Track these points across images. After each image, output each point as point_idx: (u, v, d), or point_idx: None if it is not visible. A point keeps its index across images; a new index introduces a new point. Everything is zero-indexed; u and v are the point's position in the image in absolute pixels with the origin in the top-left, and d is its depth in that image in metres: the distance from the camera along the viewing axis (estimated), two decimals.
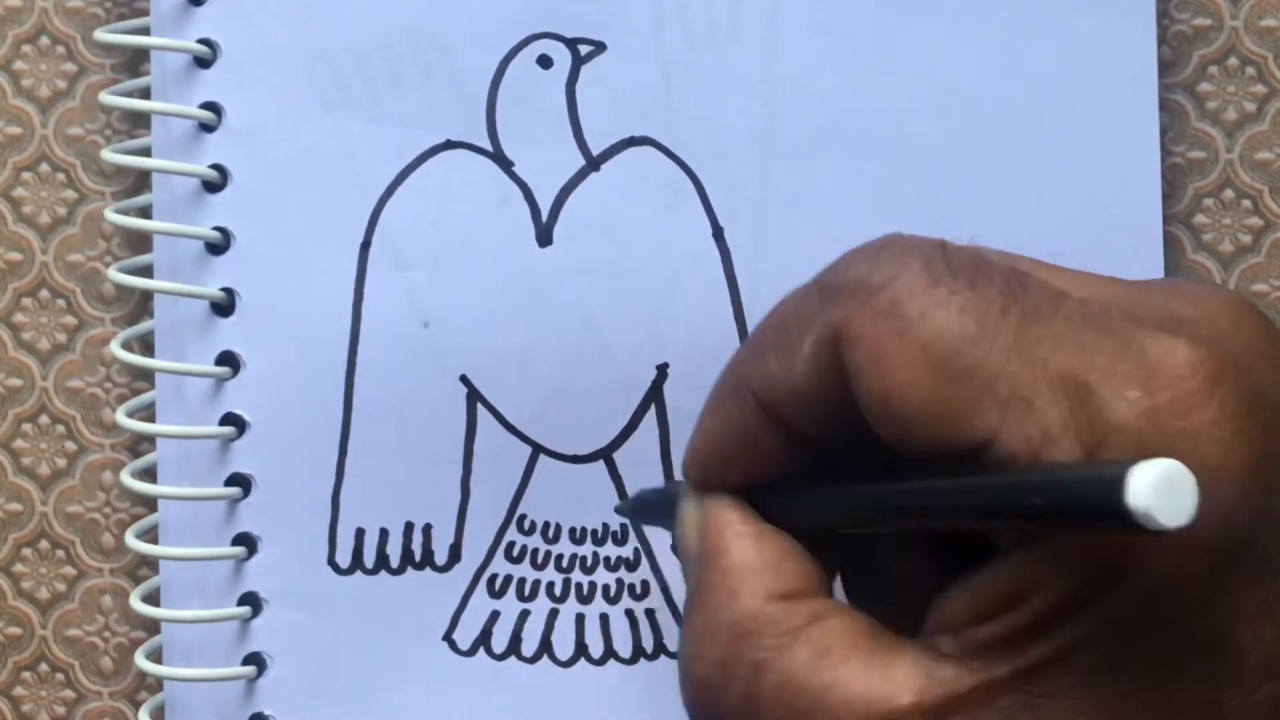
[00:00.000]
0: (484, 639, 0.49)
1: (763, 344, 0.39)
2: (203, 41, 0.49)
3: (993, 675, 0.35)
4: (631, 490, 0.49)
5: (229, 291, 0.49)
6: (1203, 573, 0.34)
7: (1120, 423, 0.33)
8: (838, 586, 0.41)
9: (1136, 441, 0.33)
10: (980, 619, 0.35)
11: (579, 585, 0.49)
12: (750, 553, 0.39)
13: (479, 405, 0.49)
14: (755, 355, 0.39)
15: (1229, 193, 0.49)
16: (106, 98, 0.49)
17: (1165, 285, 0.38)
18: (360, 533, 0.49)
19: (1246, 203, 0.49)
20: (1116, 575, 0.33)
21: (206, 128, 0.49)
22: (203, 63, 0.49)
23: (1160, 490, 0.30)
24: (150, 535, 0.50)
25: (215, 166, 0.49)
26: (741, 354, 0.40)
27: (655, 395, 0.49)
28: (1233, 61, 0.49)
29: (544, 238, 0.49)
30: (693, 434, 0.41)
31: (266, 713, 0.50)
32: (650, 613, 0.49)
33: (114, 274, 0.49)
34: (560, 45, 0.49)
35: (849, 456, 0.38)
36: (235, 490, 0.49)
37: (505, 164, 0.49)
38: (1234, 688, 0.35)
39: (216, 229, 0.49)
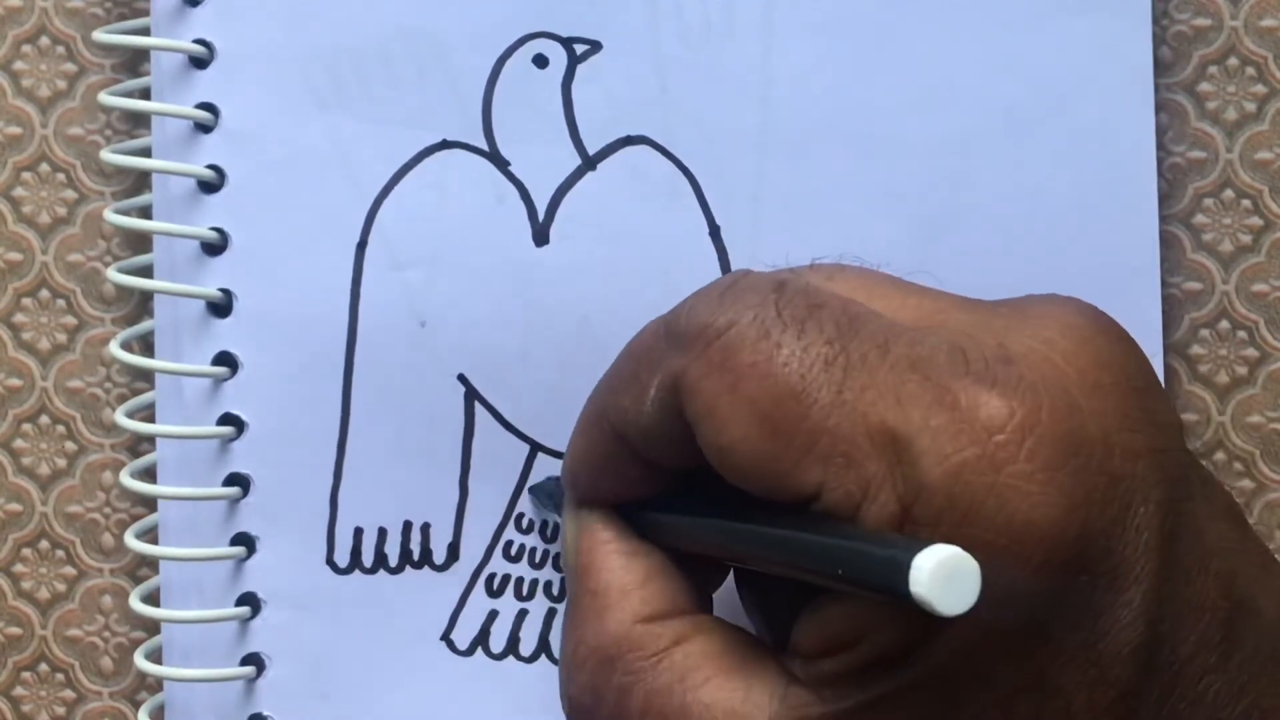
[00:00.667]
0: (482, 638, 0.49)
1: (618, 379, 0.41)
2: (199, 42, 0.49)
3: (838, 706, 0.36)
4: None
5: (226, 292, 0.49)
6: (1019, 622, 0.35)
7: (931, 481, 0.34)
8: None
9: (947, 498, 0.34)
10: (824, 652, 0.36)
11: None
12: (618, 573, 0.41)
13: (477, 404, 0.49)
14: (611, 389, 0.41)
15: (1229, 193, 0.49)
16: (105, 98, 0.49)
17: (1011, 310, 0.38)
18: (358, 532, 0.49)
19: (1246, 203, 0.49)
20: (935, 625, 0.34)
21: (204, 128, 0.49)
22: (200, 63, 0.49)
23: (939, 579, 0.32)
24: (150, 535, 0.50)
25: (212, 167, 0.49)
26: (603, 383, 0.42)
27: None
28: (1233, 61, 0.49)
29: (540, 237, 0.49)
30: (567, 449, 0.43)
31: (265, 713, 0.50)
32: None
33: (113, 274, 0.49)
34: (556, 45, 0.48)
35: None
36: (234, 490, 0.49)
37: (501, 163, 0.49)
38: None
39: (214, 229, 0.49)
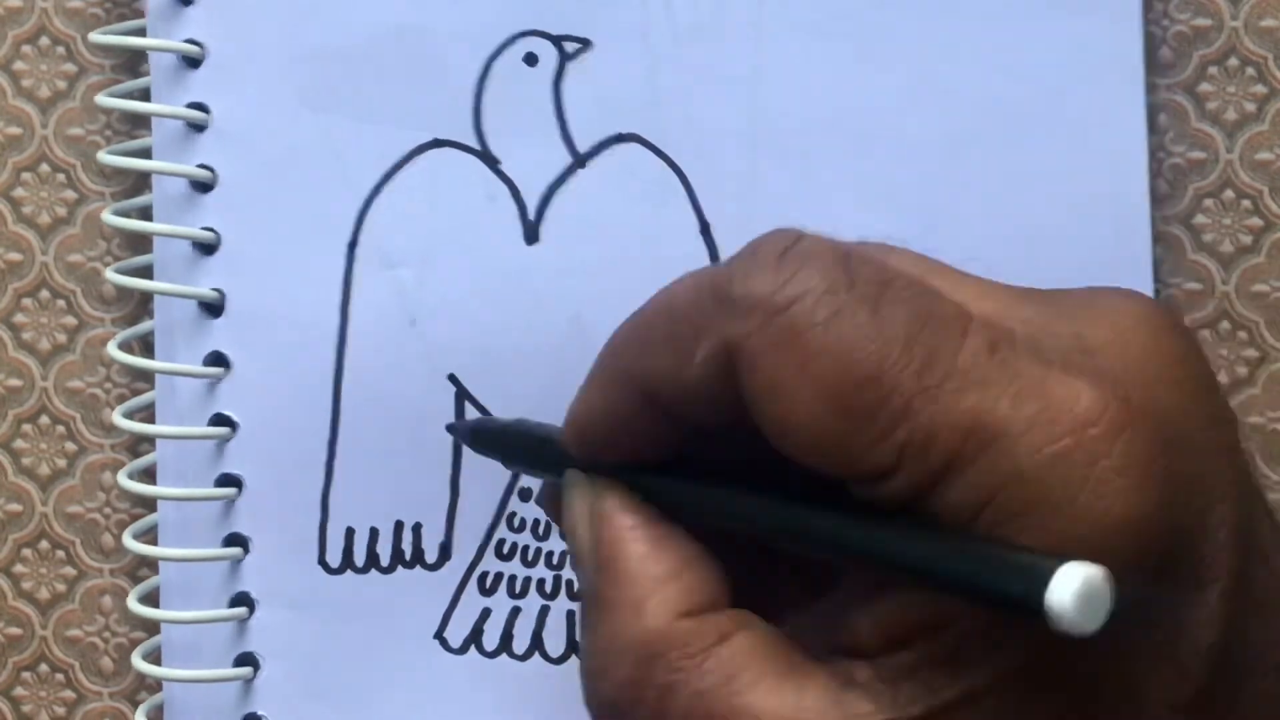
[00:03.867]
0: (475, 637, 0.49)
1: (652, 337, 0.37)
2: (191, 41, 0.49)
3: (902, 714, 0.34)
4: None
5: (219, 292, 0.49)
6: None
7: (1023, 471, 0.33)
8: None
9: (1040, 489, 0.33)
10: (892, 646, 0.34)
11: (570, 582, 0.49)
12: (651, 563, 0.37)
13: (467, 404, 0.49)
14: (644, 346, 0.37)
15: (1229, 193, 0.49)
16: (101, 99, 0.50)
17: (1079, 301, 0.36)
18: (350, 532, 0.49)
19: (1246, 203, 0.49)
20: (1017, 623, 0.32)
21: (197, 128, 0.49)
22: (193, 63, 0.49)
23: (1081, 598, 0.30)
24: (149, 536, 0.50)
25: (205, 166, 0.49)
26: (628, 338, 0.38)
27: None
28: (1233, 61, 0.49)
29: (531, 235, 0.49)
30: (574, 403, 0.39)
31: (260, 713, 0.50)
32: None
33: (110, 274, 0.49)
34: (546, 43, 0.49)
35: (741, 438, 0.36)
36: (231, 490, 0.49)
37: (492, 162, 0.49)
38: None
39: (207, 229, 0.49)
